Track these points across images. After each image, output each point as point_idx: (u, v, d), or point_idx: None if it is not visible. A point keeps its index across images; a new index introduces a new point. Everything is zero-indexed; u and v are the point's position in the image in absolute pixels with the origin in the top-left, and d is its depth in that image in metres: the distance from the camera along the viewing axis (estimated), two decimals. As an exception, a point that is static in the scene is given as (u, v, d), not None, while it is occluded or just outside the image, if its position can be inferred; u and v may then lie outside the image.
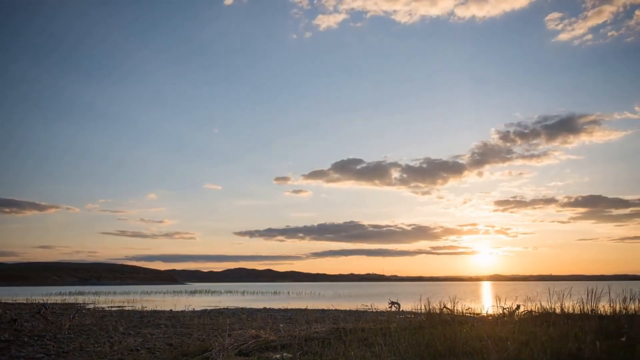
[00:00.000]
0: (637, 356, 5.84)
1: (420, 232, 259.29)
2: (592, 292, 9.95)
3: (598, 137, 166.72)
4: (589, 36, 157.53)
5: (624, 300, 9.65)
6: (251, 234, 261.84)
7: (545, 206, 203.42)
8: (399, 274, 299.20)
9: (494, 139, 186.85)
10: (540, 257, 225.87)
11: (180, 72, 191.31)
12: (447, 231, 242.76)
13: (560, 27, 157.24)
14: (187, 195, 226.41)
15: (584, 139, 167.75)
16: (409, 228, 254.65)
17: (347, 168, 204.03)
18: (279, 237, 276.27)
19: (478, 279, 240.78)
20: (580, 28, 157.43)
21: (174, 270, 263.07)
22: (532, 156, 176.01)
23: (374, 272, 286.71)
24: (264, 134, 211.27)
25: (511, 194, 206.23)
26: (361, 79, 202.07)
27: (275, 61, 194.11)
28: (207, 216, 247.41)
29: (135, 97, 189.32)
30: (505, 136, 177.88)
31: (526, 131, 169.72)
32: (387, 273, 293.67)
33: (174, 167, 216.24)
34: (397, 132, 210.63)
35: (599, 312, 9.76)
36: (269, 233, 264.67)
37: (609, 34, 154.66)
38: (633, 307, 9.26)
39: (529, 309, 11.03)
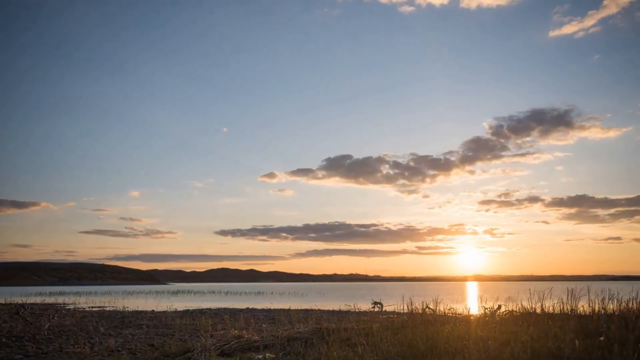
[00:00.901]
0: (615, 355, 5.92)
1: (407, 232, 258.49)
2: (572, 293, 10.08)
3: (592, 134, 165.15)
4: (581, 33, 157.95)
5: (603, 300, 9.79)
6: (234, 233, 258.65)
7: (532, 206, 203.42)
8: (382, 274, 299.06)
9: (484, 135, 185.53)
10: (525, 258, 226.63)
11: (164, 67, 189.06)
12: (434, 231, 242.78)
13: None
14: (169, 193, 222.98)
15: (579, 135, 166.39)
16: (395, 228, 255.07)
17: (335, 165, 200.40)
18: (263, 237, 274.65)
19: (462, 279, 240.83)
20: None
21: (155, 270, 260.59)
22: (523, 154, 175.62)
23: (358, 273, 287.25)
24: (250, 130, 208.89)
25: (498, 193, 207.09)
26: (350, 72, 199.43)
27: (261, 56, 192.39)
28: (189, 215, 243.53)
29: (115, 93, 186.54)
30: (496, 132, 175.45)
31: (518, 127, 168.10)
32: (371, 273, 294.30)
33: (155, 165, 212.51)
34: (386, 127, 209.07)
35: (578, 312, 9.89)
36: (253, 232, 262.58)
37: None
38: (611, 307, 9.39)
39: (510, 309, 11.12)
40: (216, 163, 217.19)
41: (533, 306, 10.32)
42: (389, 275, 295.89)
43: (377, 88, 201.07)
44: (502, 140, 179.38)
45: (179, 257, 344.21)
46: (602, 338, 6.78)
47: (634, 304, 8.81)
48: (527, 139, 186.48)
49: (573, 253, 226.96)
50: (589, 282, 13.54)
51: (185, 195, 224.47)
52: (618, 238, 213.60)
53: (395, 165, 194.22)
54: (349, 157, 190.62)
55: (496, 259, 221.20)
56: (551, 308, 10.12)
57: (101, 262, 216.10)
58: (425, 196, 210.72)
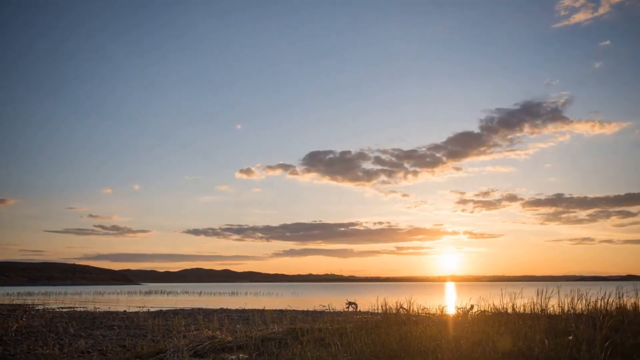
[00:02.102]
0: (583, 354, 6.05)
1: (387, 231, 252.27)
2: (543, 293, 10.27)
3: (585, 130, 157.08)
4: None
5: (572, 300, 10.00)
6: (208, 232, 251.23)
7: (511, 205, 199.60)
8: (357, 275, 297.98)
9: (472, 129, 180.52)
10: (503, 258, 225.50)
11: (140, 59, 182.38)
12: (415, 231, 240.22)
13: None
14: (142, 191, 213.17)
15: (573, 132, 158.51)
16: (374, 227, 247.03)
17: (315, 161, 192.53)
18: (238, 237, 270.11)
19: (437, 280, 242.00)
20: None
21: (128, 271, 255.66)
22: (508, 151, 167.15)
23: (333, 273, 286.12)
24: (228, 125, 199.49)
25: (480, 192, 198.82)
26: (335, 66, 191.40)
27: (240, 50, 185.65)
28: (163, 213, 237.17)
29: (86, 83, 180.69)
30: (485, 126, 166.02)
31: (509, 121, 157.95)
32: (346, 273, 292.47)
33: (128, 161, 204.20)
34: (370, 122, 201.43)
35: (548, 312, 10.09)
36: (228, 232, 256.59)
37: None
38: (580, 307, 9.59)
39: (483, 309, 11.28)
40: (192, 160, 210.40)
41: (505, 306, 10.49)
42: (364, 276, 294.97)
43: (363, 81, 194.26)
44: (492, 135, 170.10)
45: (152, 257, 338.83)
46: (570, 337, 6.91)
47: (602, 304, 9.02)
48: (518, 134, 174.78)
49: (548, 254, 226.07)
50: (559, 283, 13.81)
51: (159, 192, 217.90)
52: (590, 239, 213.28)
53: (378, 161, 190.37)
54: (330, 152, 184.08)
55: (474, 260, 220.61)
56: (522, 308, 10.30)
57: (71, 262, 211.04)
58: (407, 194, 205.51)
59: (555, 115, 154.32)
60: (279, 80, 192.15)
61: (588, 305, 9.38)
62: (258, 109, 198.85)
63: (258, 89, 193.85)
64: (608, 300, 9.06)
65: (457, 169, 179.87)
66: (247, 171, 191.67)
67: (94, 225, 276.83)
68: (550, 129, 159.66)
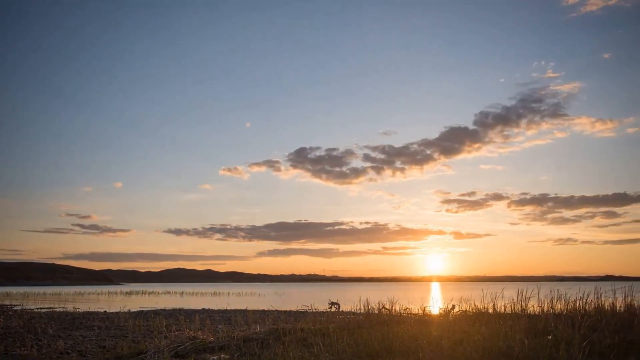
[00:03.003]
0: (562, 353, 6.13)
1: (373, 231, 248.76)
2: (523, 293, 10.38)
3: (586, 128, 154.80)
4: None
5: (552, 300, 10.13)
6: (190, 231, 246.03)
7: (497, 205, 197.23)
8: (340, 275, 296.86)
9: (466, 125, 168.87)
10: (488, 258, 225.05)
11: (121, 54, 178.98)
12: (401, 231, 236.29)
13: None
14: (124, 189, 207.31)
15: (573, 129, 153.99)
16: (361, 227, 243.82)
17: (300, 159, 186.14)
18: (221, 236, 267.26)
19: (423, 280, 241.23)
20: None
21: (109, 270, 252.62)
22: (501, 148, 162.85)
23: (316, 273, 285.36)
24: (212, 121, 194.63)
25: (466, 191, 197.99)
26: (322, 58, 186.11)
27: (225, 44, 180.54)
28: (145, 212, 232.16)
29: (64, 77, 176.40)
30: (479, 122, 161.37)
31: (498, 119, 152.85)
32: (329, 274, 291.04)
33: (108, 158, 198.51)
34: (358, 118, 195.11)
35: (528, 311, 10.20)
36: (211, 231, 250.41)
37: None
38: (559, 307, 9.72)
39: (464, 309, 11.37)
40: (175, 157, 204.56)
41: (485, 306, 10.58)
42: (347, 276, 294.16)
43: (352, 76, 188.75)
44: (486, 132, 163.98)
45: (133, 257, 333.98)
46: (549, 337, 7.00)
47: (580, 304, 9.14)
48: (516, 130, 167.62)
49: (531, 254, 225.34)
50: (540, 283, 13.98)
51: (141, 190, 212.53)
52: (573, 240, 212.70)
53: (365, 158, 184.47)
54: (317, 149, 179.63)
55: (459, 260, 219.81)
56: (503, 308, 10.40)
57: (51, 262, 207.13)
58: (394, 194, 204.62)
59: (554, 111, 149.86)
60: (265, 75, 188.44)
61: (567, 305, 9.51)
62: (244, 105, 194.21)
63: (244, 85, 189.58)
64: (586, 300, 9.18)
65: (447, 166, 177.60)
66: (231, 169, 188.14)
67: (74, 224, 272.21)
68: (548, 125, 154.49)
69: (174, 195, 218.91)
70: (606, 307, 9.01)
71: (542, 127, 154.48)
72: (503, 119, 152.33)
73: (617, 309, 8.88)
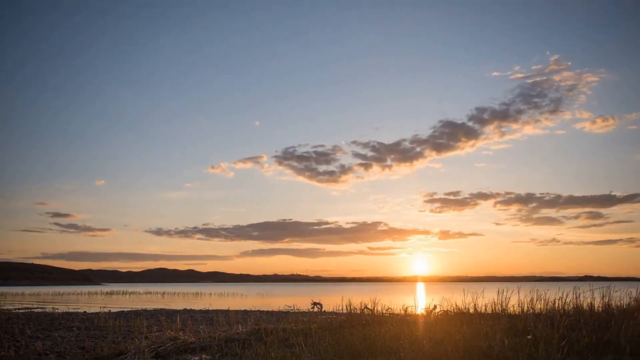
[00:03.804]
0: (541, 352, 6.20)
1: (360, 230, 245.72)
2: (503, 293, 10.49)
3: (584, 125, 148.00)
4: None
5: (532, 300, 10.24)
6: (172, 231, 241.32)
7: (483, 204, 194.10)
8: (323, 275, 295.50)
9: (458, 120, 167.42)
10: (472, 259, 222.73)
11: (113, 55, 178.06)
12: (388, 230, 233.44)
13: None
14: (106, 187, 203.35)
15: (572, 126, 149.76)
16: (347, 226, 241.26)
17: (286, 158, 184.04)
18: (204, 236, 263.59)
19: (406, 280, 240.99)
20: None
21: (89, 270, 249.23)
22: (495, 145, 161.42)
23: (298, 273, 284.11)
24: (197, 119, 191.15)
25: (452, 191, 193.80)
26: (312, 51, 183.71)
27: (214, 40, 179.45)
28: (127, 210, 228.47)
29: (51, 70, 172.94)
30: (473, 118, 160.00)
31: (494, 115, 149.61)
32: (312, 274, 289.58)
33: (88, 155, 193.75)
34: (346, 115, 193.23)
35: (508, 311, 10.31)
36: (193, 231, 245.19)
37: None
38: (539, 307, 9.83)
39: (445, 309, 11.45)
40: (159, 155, 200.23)
41: (467, 306, 10.67)
42: (330, 276, 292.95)
43: (342, 74, 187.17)
44: (479, 129, 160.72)
45: (114, 256, 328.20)
46: (529, 337, 7.07)
47: (559, 303, 9.25)
48: (514, 126, 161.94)
49: (514, 254, 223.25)
50: (520, 283, 14.14)
51: (124, 188, 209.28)
52: (556, 240, 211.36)
53: (352, 157, 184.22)
54: (303, 148, 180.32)
55: (444, 260, 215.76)
56: (483, 308, 10.50)
57: (30, 262, 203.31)
58: (381, 193, 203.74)
59: (554, 106, 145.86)
60: (253, 74, 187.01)
61: (547, 305, 9.63)
62: (230, 103, 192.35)
63: (230, 82, 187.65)
64: (565, 300, 9.30)
65: (437, 164, 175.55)
66: (215, 167, 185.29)
67: (53, 223, 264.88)
68: (547, 121, 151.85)
69: (157, 194, 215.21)
70: (585, 307, 9.14)
71: (537, 124, 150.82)
72: (498, 115, 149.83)
73: (596, 309, 9.02)
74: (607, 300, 9.06)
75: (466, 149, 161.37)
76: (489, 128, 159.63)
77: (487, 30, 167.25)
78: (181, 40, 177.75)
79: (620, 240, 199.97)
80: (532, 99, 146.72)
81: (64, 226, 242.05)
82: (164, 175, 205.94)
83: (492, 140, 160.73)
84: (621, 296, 9.08)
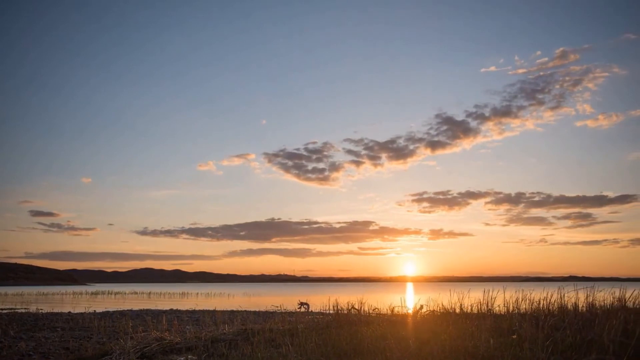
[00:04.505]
0: (525, 352, 6.25)
1: (349, 230, 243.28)
2: (489, 293, 10.56)
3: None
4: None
5: (517, 300, 10.33)
6: (159, 230, 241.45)
7: (474, 204, 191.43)
8: (310, 275, 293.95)
9: (454, 116, 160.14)
10: (461, 259, 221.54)
11: (99, 49, 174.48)
12: (378, 230, 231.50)
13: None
14: (92, 185, 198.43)
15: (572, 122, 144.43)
16: (338, 226, 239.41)
17: (276, 155, 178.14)
18: (191, 235, 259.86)
19: (393, 280, 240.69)
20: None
21: (74, 270, 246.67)
22: (490, 143, 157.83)
23: (286, 273, 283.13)
24: (185, 116, 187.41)
25: (443, 190, 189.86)
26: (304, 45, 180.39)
27: (202, 36, 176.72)
28: (113, 209, 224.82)
29: (35, 61, 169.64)
30: (470, 114, 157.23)
31: (492, 112, 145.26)
32: (299, 274, 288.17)
33: (73, 152, 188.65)
34: (337, 113, 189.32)
35: (494, 311, 10.39)
36: (180, 230, 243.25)
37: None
38: (524, 307, 9.91)
39: (432, 309, 11.50)
40: (146, 153, 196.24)
41: (453, 306, 10.73)
42: (317, 276, 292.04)
43: (332, 69, 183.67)
44: (477, 124, 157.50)
45: (99, 256, 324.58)
46: (514, 336, 7.13)
47: (544, 304, 9.34)
48: (512, 123, 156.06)
49: (503, 255, 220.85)
50: (506, 283, 14.27)
51: (110, 187, 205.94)
52: (545, 240, 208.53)
53: (346, 154, 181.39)
54: (293, 146, 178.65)
55: (434, 260, 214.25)
56: (469, 308, 10.56)
57: (13, 261, 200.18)
58: (371, 193, 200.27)
59: (556, 102, 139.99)
60: (242, 70, 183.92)
61: (532, 305, 9.71)
62: (218, 101, 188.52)
63: (218, 80, 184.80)
64: (550, 300, 9.39)
65: (429, 163, 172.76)
66: (204, 166, 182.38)
67: (37, 222, 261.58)
68: (547, 118, 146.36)
69: (144, 192, 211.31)
70: (569, 307, 9.24)
71: (536, 121, 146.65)
72: (497, 112, 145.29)
73: (580, 308, 9.12)
74: (591, 300, 9.16)
75: (462, 146, 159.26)
76: (487, 125, 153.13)
77: (488, 22, 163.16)
78: (174, 40, 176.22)
79: (606, 240, 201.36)
80: (534, 94, 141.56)
81: (47, 225, 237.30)
82: (151, 174, 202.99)
83: (489, 138, 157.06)
84: (605, 296, 9.17)
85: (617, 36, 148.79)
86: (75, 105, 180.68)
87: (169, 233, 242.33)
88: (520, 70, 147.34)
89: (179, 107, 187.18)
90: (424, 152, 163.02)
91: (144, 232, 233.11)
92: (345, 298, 12.89)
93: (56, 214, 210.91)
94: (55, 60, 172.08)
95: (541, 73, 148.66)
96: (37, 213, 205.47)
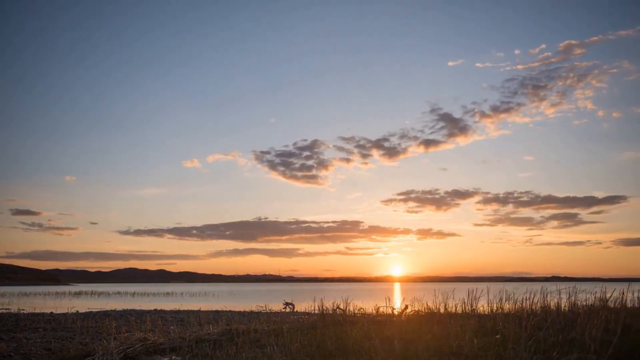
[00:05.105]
0: (508, 351, 6.30)
1: (337, 229, 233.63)
2: (473, 293, 10.65)
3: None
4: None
5: (500, 300, 10.43)
6: (144, 230, 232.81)
7: (464, 204, 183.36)
8: (295, 275, 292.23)
9: (450, 112, 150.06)
10: (448, 259, 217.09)
11: (87, 43, 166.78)
12: (366, 230, 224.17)
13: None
14: (75, 183, 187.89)
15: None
16: (326, 226, 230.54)
17: (263, 153, 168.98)
18: (175, 235, 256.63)
19: (375, 280, 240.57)
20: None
21: (57, 270, 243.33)
22: (481, 143, 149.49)
23: (271, 273, 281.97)
24: (174, 114, 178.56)
25: (431, 189, 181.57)
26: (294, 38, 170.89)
27: (193, 30, 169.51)
28: (95, 208, 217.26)
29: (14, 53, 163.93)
30: (468, 109, 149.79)
31: (489, 107, 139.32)
32: (284, 274, 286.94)
33: (55, 149, 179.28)
34: (329, 109, 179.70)
35: (478, 311, 10.48)
36: (164, 229, 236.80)
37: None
38: (507, 306, 10.01)
39: (417, 309, 11.56)
40: (131, 151, 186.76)
41: (437, 306, 10.80)
42: (302, 276, 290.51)
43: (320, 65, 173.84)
44: (473, 122, 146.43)
45: (82, 256, 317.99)
46: (498, 336, 7.19)
47: (527, 303, 9.43)
48: (508, 120, 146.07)
49: (489, 255, 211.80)
50: (489, 283, 14.38)
51: (94, 185, 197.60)
52: (531, 241, 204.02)
53: (334, 152, 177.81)
54: (282, 144, 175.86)
55: (421, 260, 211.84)
56: (454, 308, 10.64)
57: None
58: (360, 192, 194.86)
59: (558, 99, 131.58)
60: (231, 66, 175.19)
61: (515, 305, 9.81)
62: (205, 97, 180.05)
63: (205, 75, 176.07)
64: (533, 300, 9.49)
65: (422, 161, 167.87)
66: (189, 164, 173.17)
67: (19, 222, 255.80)
68: (545, 115, 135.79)
69: (129, 191, 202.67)
70: (552, 306, 9.34)
71: (533, 119, 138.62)
72: (494, 108, 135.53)
73: (562, 308, 9.23)
74: (573, 300, 9.27)
75: (456, 144, 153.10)
76: (483, 122, 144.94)
77: (486, 12, 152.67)
78: (159, 36, 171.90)
79: (589, 241, 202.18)
80: (534, 90, 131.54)
81: (29, 224, 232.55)
82: (135, 172, 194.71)
83: (483, 136, 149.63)
84: (587, 296, 9.29)
85: (632, 27, 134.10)
86: (59, 103, 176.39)
87: (153, 232, 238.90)
88: (520, 67, 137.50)
89: (165, 105, 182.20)
90: (417, 150, 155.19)
91: (127, 232, 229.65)
92: (331, 298, 12.91)
93: (38, 212, 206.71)
94: (39, 60, 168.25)
95: (543, 69, 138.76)
96: (18, 212, 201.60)
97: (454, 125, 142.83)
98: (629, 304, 8.77)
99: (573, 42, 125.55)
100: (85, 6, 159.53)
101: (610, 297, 8.75)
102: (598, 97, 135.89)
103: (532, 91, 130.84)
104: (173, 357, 8.51)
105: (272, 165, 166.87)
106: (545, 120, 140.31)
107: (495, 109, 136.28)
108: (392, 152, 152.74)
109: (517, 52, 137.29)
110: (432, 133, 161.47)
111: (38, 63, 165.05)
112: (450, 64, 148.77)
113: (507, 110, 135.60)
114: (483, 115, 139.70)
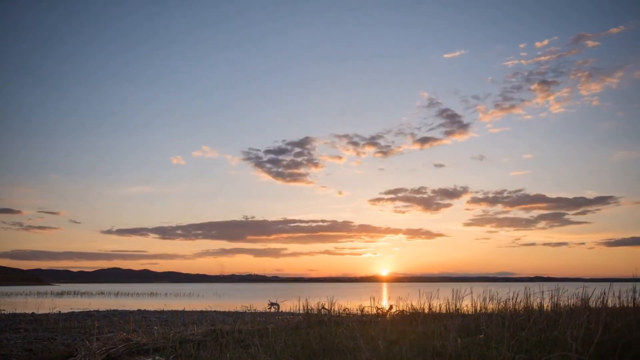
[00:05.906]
0: (492, 351, 6.36)
1: (324, 229, 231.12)
2: (457, 293, 10.72)
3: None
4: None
5: (484, 300, 10.51)
6: (128, 229, 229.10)
7: (454, 205, 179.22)
8: (280, 275, 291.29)
9: (446, 108, 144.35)
10: (437, 258, 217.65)
11: (79, 40, 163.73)
12: (355, 229, 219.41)
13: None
14: (60, 181, 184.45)
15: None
16: (315, 225, 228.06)
17: (252, 151, 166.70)
18: (160, 235, 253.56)
19: (366, 280, 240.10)
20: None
21: (39, 270, 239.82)
22: (477, 140, 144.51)
23: (256, 273, 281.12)
24: (160, 112, 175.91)
25: (420, 188, 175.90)
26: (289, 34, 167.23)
27: (187, 26, 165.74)
28: (78, 207, 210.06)
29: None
30: (466, 105, 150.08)
31: (488, 103, 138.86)
32: (269, 274, 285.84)
33: (40, 146, 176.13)
34: (320, 106, 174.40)
35: (462, 311, 10.55)
36: (149, 229, 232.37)
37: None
38: (491, 306, 10.10)
39: (401, 309, 11.61)
40: (118, 149, 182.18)
41: (422, 306, 10.85)
42: (288, 276, 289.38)
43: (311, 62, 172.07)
44: (470, 118, 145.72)
45: (64, 255, 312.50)
46: (481, 336, 7.25)
47: (511, 303, 9.52)
48: (507, 117, 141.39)
49: (476, 255, 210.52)
50: (472, 283, 14.51)
51: (77, 183, 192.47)
52: (519, 242, 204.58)
53: (329, 148, 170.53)
54: (271, 143, 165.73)
55: (408, 259, 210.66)
56: (438, 308, 10.70)
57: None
58: (349, 192, 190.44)
59: (558, 97, 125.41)
60: (222, 62, 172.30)
61: (499, 305, 9.89)
62: (193, 95, 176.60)
63: (196, 72, 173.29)
64: (516, 300, 9.58)
65: (416, 159, 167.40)
66: (174, 161, 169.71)
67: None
68: (547, 112, 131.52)
69: (112, 190, 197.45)
70: (534, 306, 9.44)
71: (534, 117, 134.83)
72: (493, 104, 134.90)
73: (545, 308, 9.33)
74: (555, 300, 9.38)
75: (453, 140, 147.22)
76: (480, 119, 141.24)
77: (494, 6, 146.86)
78: (144, 35, 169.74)
79: (573, 242, 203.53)
80: (537, 85, 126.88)
81: (9, 223, 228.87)
82: (118, 171, 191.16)
83: (480, 134, 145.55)
84: (569, 296, 9.40)
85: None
86: (42, 101, 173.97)
87: (137, 232, 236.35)
88: (523, 62, 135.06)
89: (152, 102, 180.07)
90: (411, 147, 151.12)
91: (110, 231, 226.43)
92: (316, 298, 12.91)
93: (18, 211, 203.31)
94: (21, 59, 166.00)
95: (549, 64, 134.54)
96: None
97: (451, 122, 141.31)
98: (610, 304, 8.88)
99: (585, 33, 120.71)
100: (73, 7, 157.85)
101: (592, 297, 8.86)
102: (604, 95, 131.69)
103: (536, 87, 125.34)
104: (156, 358, 8.44)
105: (260, 164, 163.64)
106: (542, 119, 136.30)
107: (495, 105, 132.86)
108: (383, 150, 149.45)
109: (525, 47, 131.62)
110: (430, 130, 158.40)
111: (20, 62, 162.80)
112: (446, 55, 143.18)
113: (504, 107, 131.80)
114: (482, 112, 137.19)
